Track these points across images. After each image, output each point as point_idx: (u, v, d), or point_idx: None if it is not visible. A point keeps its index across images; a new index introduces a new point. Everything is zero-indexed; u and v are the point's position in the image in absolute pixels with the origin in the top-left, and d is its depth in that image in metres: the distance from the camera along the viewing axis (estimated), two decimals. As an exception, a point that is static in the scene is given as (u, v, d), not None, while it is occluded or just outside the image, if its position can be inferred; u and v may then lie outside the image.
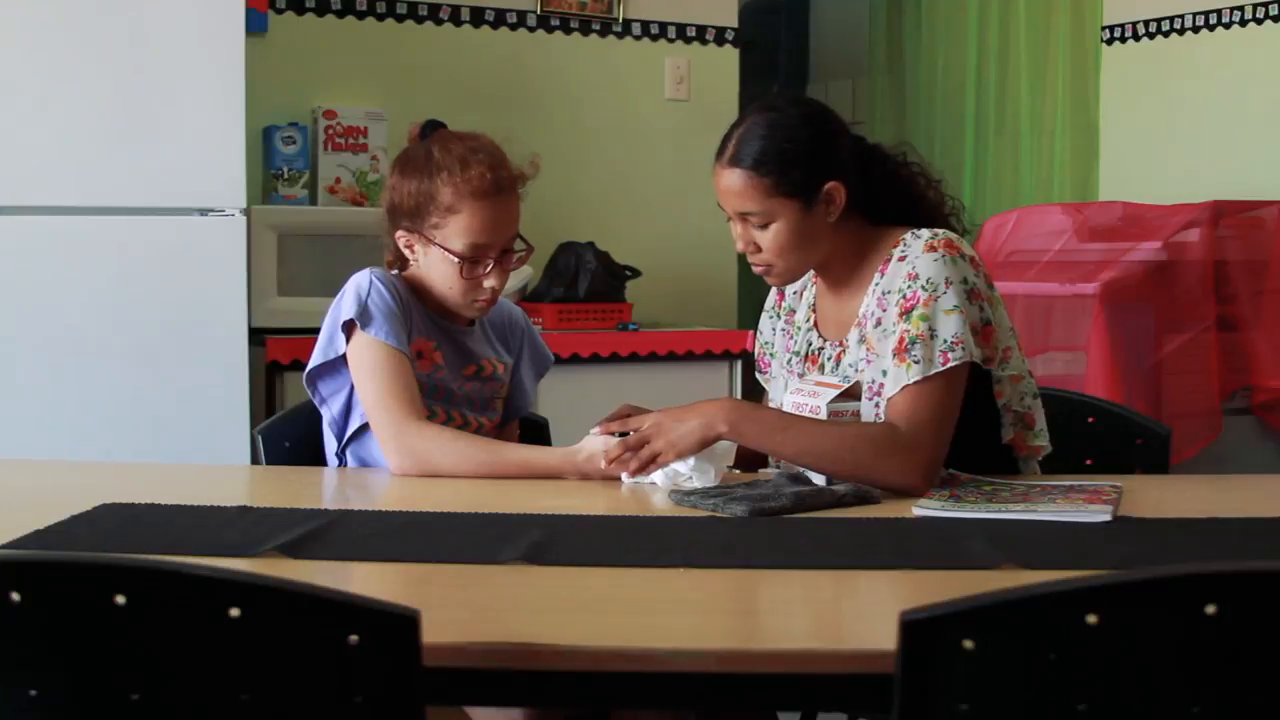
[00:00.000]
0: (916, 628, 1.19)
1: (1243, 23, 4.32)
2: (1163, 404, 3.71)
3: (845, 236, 2.19)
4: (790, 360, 2.32)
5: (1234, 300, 3.84)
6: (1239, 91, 4.33)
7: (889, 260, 2.17)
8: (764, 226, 2.15)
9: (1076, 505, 1.88)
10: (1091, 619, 1.17)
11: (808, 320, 2.31)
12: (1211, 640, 1.19)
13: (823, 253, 2.20)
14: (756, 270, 2.23)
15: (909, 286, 2.11)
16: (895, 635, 1.19)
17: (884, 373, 2.11)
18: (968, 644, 1.18)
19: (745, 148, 2.13)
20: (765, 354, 2.43)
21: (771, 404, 2.33)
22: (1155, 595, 1.19)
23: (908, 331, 2.08)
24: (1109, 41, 4.74)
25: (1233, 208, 3.89)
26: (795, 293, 2.37)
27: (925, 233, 2.16)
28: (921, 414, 2.06)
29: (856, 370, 2.17)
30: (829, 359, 2.24)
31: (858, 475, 2.01)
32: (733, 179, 2.14)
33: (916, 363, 2.06)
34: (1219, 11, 4.38)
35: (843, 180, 2.15)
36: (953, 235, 2.17)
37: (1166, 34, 4.56)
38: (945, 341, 2.07)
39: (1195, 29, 4.47)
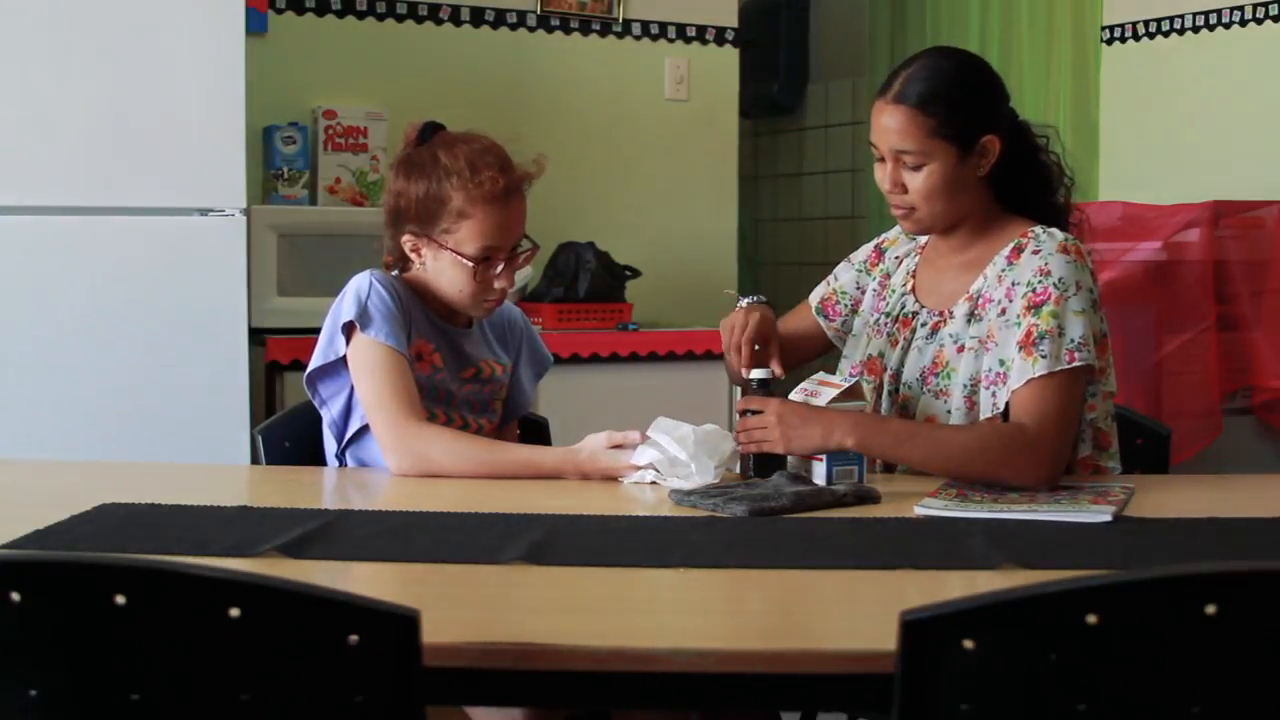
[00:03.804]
0: (916, 628, 1.19)
1: (1243, 23, 4.32)
2: (1163, 404, 3.71)
3: (981, 201, 2.21)
4: (878, 320, 2.34)
5: (1234, 300, 3.83)
6: (1239, 91, 4.33)
7: (1020, 250, 2.18)
8: (917, 168, 2.16)
9: (1077, 505, 1.88)
10: (1091, 619, 1.17)
11: (905, 285, 2.33)
12: (1211, 640, 1.19)
13: (963, 209, 2.21)
14: (896, 213, 2.23)
15: (1040, 281, 2.12)
16: (895, 635, 1.19)
17: (1001, 362, 2.12)
18: (968, 644, 1.19)
19: (912, 86, 2.15)
20: (838, 302, 2.43)
21: (845, 360, 2.36)
22: (1155, 595, 1.19)
23: (1036, 326, 2.10)
24: (1109, 41, 4.74)
25: (1233, 208, 3.88)
26: (896, 258, 2.39)
27: (1058, 233, 2.18)
28: (1049, 409, 2.07)
29: (955, 341, 2.19)
30: (923, 324, 2.25)
31: (986, 475, 2.03)
32: (895, 115, 2.15)
33: (1044, 357, 2.08)
34: (1219, 11, 4.38)
35: (1000, 136, 2.17)
36: (1082, 245, 2.20)
37: (1166, 34, 4.55)
38: (1073, 341, 2.09)
39: (1195, 29, 4.46)
